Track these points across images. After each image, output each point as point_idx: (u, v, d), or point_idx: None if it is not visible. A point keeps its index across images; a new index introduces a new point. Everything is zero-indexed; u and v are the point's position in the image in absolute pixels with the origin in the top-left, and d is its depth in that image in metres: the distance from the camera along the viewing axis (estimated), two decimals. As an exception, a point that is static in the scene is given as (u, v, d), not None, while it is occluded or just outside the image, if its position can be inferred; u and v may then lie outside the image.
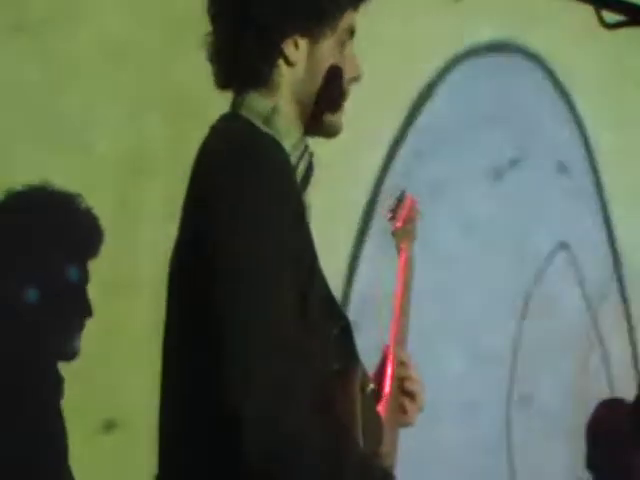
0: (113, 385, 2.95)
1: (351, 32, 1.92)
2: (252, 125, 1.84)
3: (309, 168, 1.86)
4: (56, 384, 2.68)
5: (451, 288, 3.71)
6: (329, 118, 1.90)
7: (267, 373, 1.62)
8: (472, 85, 3.86)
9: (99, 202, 2.65)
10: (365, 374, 1.88)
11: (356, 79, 1.93)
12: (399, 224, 2.12)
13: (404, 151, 3.63)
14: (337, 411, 1.74)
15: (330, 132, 1.93)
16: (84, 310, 2.68)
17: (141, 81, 3.01)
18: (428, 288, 2.96)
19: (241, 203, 1.71)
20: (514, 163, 3.90)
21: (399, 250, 2.11)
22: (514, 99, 3.98)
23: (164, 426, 1.81)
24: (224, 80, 1.90)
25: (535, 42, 3.99)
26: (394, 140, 3.62)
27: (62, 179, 2.64)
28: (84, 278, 2.72)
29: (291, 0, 1.83)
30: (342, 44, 1.90)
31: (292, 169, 1.81)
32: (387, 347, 2.05)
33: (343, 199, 3.41)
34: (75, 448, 2.63)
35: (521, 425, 4.01)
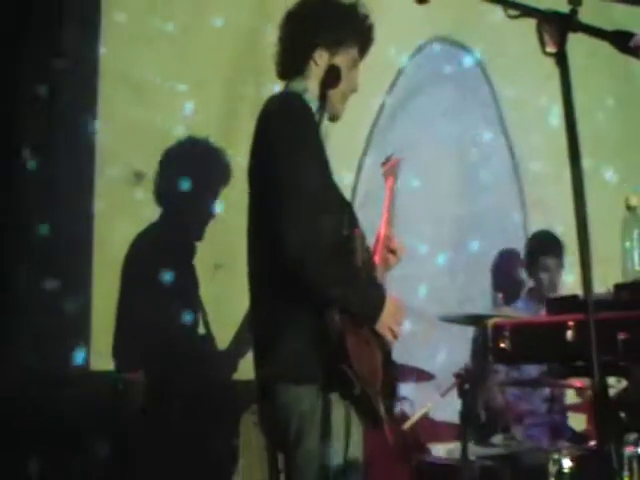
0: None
1: (355, 62, 3.29)
2: (295, 94, 3.18)
3: (321, 119, 3.12)
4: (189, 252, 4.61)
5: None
6: (332, 95, 3.17)
7: (308, 220, 2.91)
8: (423, 65, 5.65)
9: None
10: (362, 234, 3.16)
11: (354, 90, 3.31)
12: (387, 168, 3.51)
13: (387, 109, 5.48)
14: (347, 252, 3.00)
15: (334, 113, 3.26)
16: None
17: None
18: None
19: (293, 137, 3.01)
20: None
21: (386, 178, 3.51)
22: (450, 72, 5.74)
23: (250, 265, 3.15)
24: (282, 74, 3.30)
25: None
26: (381, 103, 5.48)
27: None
28: None
29: (322, 31, 3.21)
30: (350, 67, 3.26)
31: (315, 119, 3.10)
32: (380, 228, 3.34)
33: (349, 138, 5.03)
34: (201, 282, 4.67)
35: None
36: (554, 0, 2.39)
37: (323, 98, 3.17)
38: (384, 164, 3.54)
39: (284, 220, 2.92)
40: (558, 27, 2.13)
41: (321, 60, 3.23)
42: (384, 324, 3.05)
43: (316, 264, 2.92)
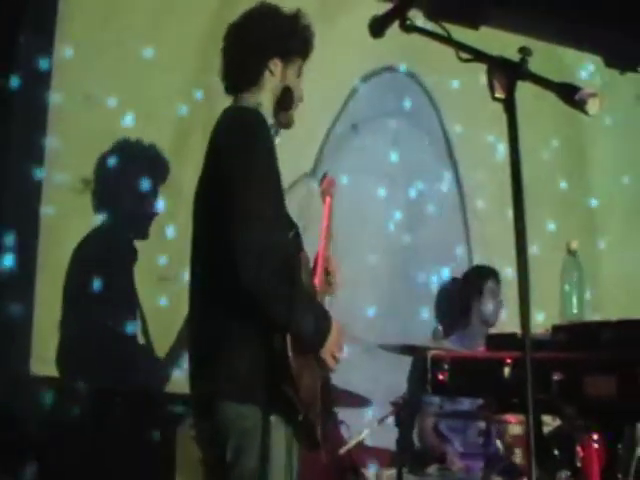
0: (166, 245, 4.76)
1: (300, 71, 3.31)
2: (251, 109, 3.16)
3: (275, 136, 3.21)
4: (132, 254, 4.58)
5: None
6: (284, 114, 3.26)
7: (261, 242, 2.88)
8: (375, 92, 5.72)
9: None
10: (307, 259, 3.20)
11: (300, 99, 3.31)
12: (323, 187, 3.59)
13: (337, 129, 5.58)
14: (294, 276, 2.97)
15: (287, 124, 3.29)
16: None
17: None
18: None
19: (248, 149, 2.99)
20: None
21: (324, 198, 3.56)
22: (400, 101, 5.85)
23: (194, 275, 3.14)
24: (233, 86, 3.27)
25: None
26: (331, 123, 5.55)
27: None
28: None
29: (272, 41, 3.23)
30: (297, 76, 3.30)
31: (272, 135, 3.14)
32: (319, 248, 3.39)
33: (300, 162, 5.30)
34: (144, 293, 4.65)
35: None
36: (505, 47, 2.46)
37: (278, 115, 3.27)
38: (321, 183, 3.59)
39: (238, 240, 2.89)
40: (508, 74, 2.20)
41: (276, 69, 3.25)
42: (327, 350, 3.08)
43: (269, 288, 2.91)
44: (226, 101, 3.33)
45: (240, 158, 2.99)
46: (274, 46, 3.25)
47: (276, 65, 3.25)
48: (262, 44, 3.25)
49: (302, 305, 2.97)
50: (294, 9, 3.33)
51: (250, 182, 2.96)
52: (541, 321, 2.85)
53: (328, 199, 3.55)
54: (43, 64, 4.68)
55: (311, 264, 3.31)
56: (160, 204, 4.75)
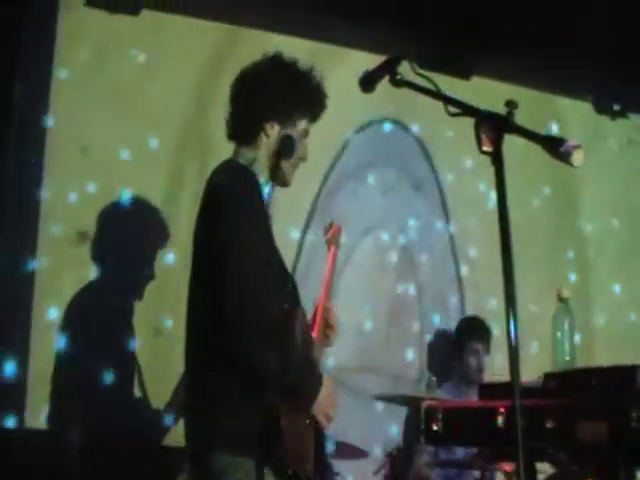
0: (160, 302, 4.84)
1: (306, 133, 3.27)
2: (243, 166, 3.18)
3: (270, 193, 3.24)
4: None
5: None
6: (284, 165, 3.20)
7: (258, 308, 2.89)
8: (368, 142, 5.81)
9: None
10: (303, 312, 3.18)
11: (303, 159, 3.27)
12: (329, 235, 3.52)
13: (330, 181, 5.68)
14: (287, 332, 3.02)
15: (284, 181, 3.25)
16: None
17: None
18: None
19: (239, 213, 2.98)
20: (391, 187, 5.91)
21: (329, 247, 3.51)
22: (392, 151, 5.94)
23: (190, 336, 3.11)
24: (232, 136, 3.27)
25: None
26: (325, 175, 5.65)
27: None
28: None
29: (273, 105, 3.18)
30: (301, 136, 3.24)
31: (262, 193, 3.14)
32: (319, 299, 3.35)
33: (294, 214, 5.36)
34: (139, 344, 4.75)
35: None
36: (496, 97, 2.50)
37: (275, 168, 3.21)
38: (326, 232, 3.53)
39: (230, 300, 2.90)
40: (495, 128, 2.24)
41: (272, 132, 3.20)
42: (319, 409, 3.06)
43: (259, 349, 2.92)
44: (221, 148, 3.36)
45: (230, 218, 2.99)
46: (273, 111, 3.20)
47: (272, 128, 3.21)
48: (260, 108, 3.21)
49: (292, 365, 2.97)
50: (307, 66, 3.27)
51: (238, 247, 2.95)
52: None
53: (333, 249, 3.49)
54: (39, 114, 4.76)
55: (310, 315, 3.30)
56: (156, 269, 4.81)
